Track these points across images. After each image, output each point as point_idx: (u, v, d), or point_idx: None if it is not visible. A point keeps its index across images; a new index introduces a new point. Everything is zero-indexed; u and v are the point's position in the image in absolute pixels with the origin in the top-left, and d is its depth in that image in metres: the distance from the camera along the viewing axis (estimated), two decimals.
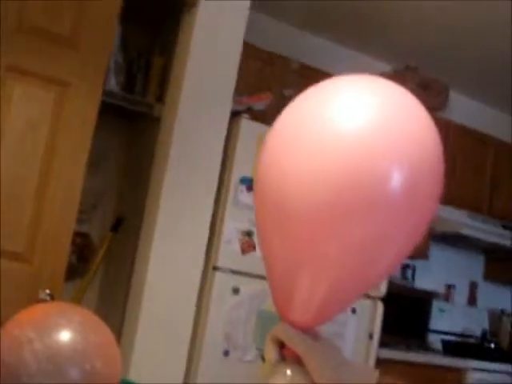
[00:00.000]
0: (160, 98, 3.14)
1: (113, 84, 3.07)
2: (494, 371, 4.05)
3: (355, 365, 1.02)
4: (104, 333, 1.04)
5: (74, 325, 0.99)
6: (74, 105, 2.54)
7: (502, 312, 5.04)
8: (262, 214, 0.95)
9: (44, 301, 2.33)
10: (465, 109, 4.77)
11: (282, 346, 0.98)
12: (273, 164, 0.91)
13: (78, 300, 3.11)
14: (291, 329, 0.96)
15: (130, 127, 3.47)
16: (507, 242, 4.59)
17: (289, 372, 0.96)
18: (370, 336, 3.29)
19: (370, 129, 0.86)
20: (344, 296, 0.96)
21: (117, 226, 3.30)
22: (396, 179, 0.85)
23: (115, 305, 3.11)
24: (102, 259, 3.25)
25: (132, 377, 2.63)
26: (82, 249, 3.27)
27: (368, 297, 3.26)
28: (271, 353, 0.98)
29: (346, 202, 0.84)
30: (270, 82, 3.31)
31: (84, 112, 2.56)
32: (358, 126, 0.86)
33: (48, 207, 2.48)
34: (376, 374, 0.98)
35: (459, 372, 3.86)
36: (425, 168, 0.88)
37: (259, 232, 0.97)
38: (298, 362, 0.96)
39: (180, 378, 2.83)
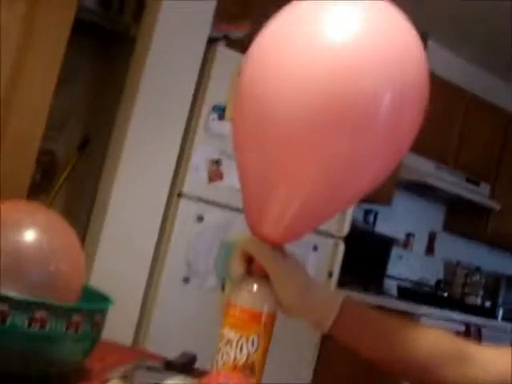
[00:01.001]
0: (137, 18, 3.06)
1: (88, 0, 2.98)
2: (445, 319, 4.15)
3: (321, 285, 1.03)
4: (69, 235, 1.02)
5: (39, 224, 0.97)
6: (47, 17, 2.46)
7: (458, 263, 5.14)
8: (241, 126, 0.93)
9: None
10: (441, 59, 4.76)
11: (250, 261, 0.98)
12: (256, 76, 0.89)
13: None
14: (262, 243, 0.96)
15: (104, 46, 3.38)
16: (469, 195, 4.66)
17: (255, 286, 0.96)
18: (330, 274, 3.33)
19: (357, 45, 0.83)
20: (315, 213, 0.95)
21: (83, 145, 3.25)
22: (380, 100, 0.83)
23: (77, 225, 3.08)
24: (66, 178, 3.20)
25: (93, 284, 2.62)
26: (47, 166, 3.21)
27: (330, 235, 3.28)
28: (238, 267, 0.98)
29: (326, 118, 0.82)
30: (251, 11, 3.24)
31: (57, 24, 2.48)
32: (344, 40, 0.84)
33: (14, 120, 2.42)
34: (341, 296, 0.99)
35: (412, 317, 3.94)
36: (409, 94, 0.87)
37: (236, 144, 0.95)
38: (264, 276, 0.96)
39: (138, 301, 2.84)
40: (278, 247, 0.97)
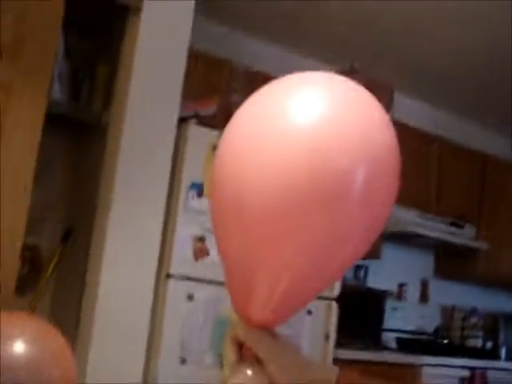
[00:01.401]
0: (106, 106, 3.10)
1: (58, 93, 3.02)
2: (447, 366, 4.12)
3: (314, 363, 1.02)
4: (58, 340, 1.02)
5: (27, 335, 0.97)
6: (18, 113, 2.49)
7: (453, 307, 5.13)
8: (219, 212, 0.94)
9: None
10: (409, 109, 4.85)
11: (241, 346, 0.97)
12: (231, 161, 0.90)
13: (30, 314, 3.05)
14: (250, 328, 0.96)
15: (77, 136, 3.42)
16: (455, 239, 4.68)
17: (249, 372, 0.96)
18: (326, 337, 3.30)
19: (326, 125, 0.85)
20: (302, 294, 0.96)
21: (67, 237, 3.24)
22: (354, 177, 0.85)
23: (68, 317, 3.05)
24: (52, 271, 3.19)
25: None
26: (32, 261, 3.20)
27: (322, 298, 3.27)
28: (230, 353, 0.98)
29: (302, 198, 0.83)
30: (216, 87, 3.30)
31: (29, 121, 2.51)
32: (314, 121, 0.85)
33: None
34: (335, 370, 0.98)
35: (414, 368, 3.91)
36: (381, 166, 0.88)
37: (216, 230, 0.96)
38: (257, 361, 0.96)
39: None
40: (267, 330, 0.97)
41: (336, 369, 0.98)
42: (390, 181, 0.91)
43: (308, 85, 0.91)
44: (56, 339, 0.99)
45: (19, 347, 0.94)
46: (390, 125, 0.93)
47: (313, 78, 0.94)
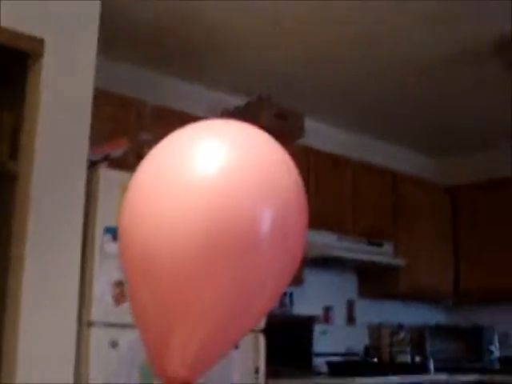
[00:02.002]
0: (13, 155, 3.02)
1: None
2: None
3: None
4: None
5: None
6: None
7: (380, 325, 5.20)
8: (128, 267, 0.92)
9: None
10: (320, 134, 4.93)
11: None
12: (134, 216, 0.88)
13: None
14: None
15: None
16: (375, 258, 4.77)
17: None
18: (256, 370, 3.28)
19: (230, 171, 0.85)
20: (220, 347, 0.94)
21: None
22: (260, 220, 0.84)
23: None
24: None
25: None
26: None
27: (249, 331, 3.25)
28: None
29: (211, 247, 0.82)
30: (125, 127, 3.26)
31: None
32: (217, 170, 0.85)
33: None
34: None
35: None
36: (287, 206, 0.88)
37: (129, 288, 0.94)
38: None
39: None
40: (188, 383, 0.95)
41: None
42: (297, 218, 0.91)
43: (210, 135, 0.91)
44: None
45: None
46: (292, 165, 0.93)
47: (218, 128, 0.94)
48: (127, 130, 3.25)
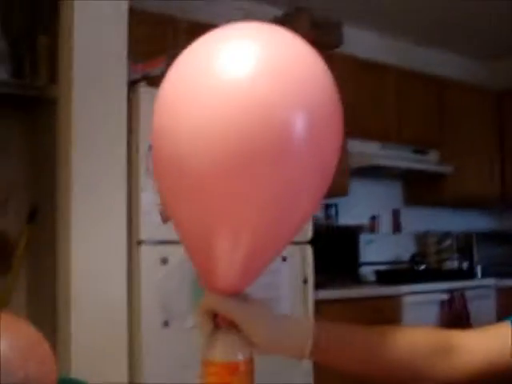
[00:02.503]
0: (52, 79, 3.03)
1: (1, 72, 2.94)
2: (426, 292, 4.19)
3: (289, 318, 1.02)
4: (31, 334, 0.99)
5: None
6: None
7: (427, 233, 5.19)
8: (162, 176, 0.92)
9: None
10: (361, 41, 4.81)
11: (214, 315, 0.97)
12: (167, 122, 0.87)
13: (6, 300, 3.02)
14: (219, 296, 0.95)
15: (28, 113, 3.35)
16: (421, 166, 4.72)
17: (226, 339, 0.96)
18: (305, 280, 3.32)
19: (262, 75, 0.83)
20: (264, 252, 0.95)
21: (32, 216, 3.20)
22: (295, 125, 0.83)
23: (46, 296, 3.04)
24: (23, 253, 3.15)
25: (75, 369, 2.58)
26: (1, 246, 3.16)
27: (296, 243, 3.28)
28: (206, 325, 0.97)
29: (246, 154, 0.81)
30: (162, 45, 3.22)
31: None
32: (249, 74, 0.83)
33: None
34: (311, 322, 0.98)
35: (395, 299, 3.97)
36: (323, 110, 0.87)
37: (165, 201, 0.94)
38: (233, 327, 0.96)
39: (124, 359, 2.80)
40: (237, 294, 0.97)
41: (311, 322, 0.98)
42: (332, 127, 0.89)
43: (243, 37, 0.88)
44: (28, 333, 0.97)
45: None
46: (328, 72, 0.91)
47: (247, 30, 0.91)
48: (164, 47, 3.21)
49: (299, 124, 0.83)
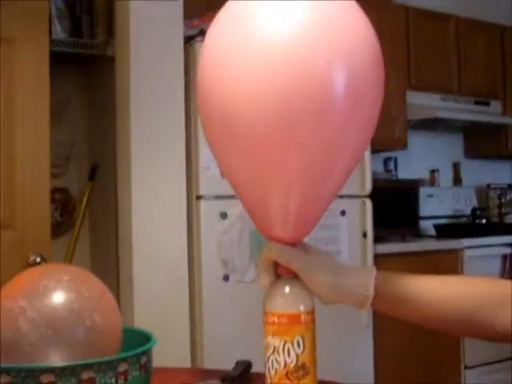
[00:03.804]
0: (110, 37, 3.05)
1: (59, 31, 2.98)
2: (488, 245, 4.13)
3: (350, 267, 1.02)
4: (96, 285, 1.02)
5: (63, 284, 0.97)
6: (24, 59, 2.45)
7: (488, 186, 5.10)
8: (212, 134, 0.93)
9: (36, 264, 2.31)
10: None
11: (275, 265, 0.98)
12: (214, 86, 0.88)
13: (70, 255, 3.11)
14: (280, 246, 0.96)
15: (86, 72, 3.39)
16: (482, 118, 4.61)
17: (287, 289, 0.96)
18: (364, 234, 3.31)
19: (301, 31, 0.84)
20: (314, 205, 0.95)
21: (93, 173, 3.26)
22: (334, 81, 0.84)
23: (108, 251, 3.11)
24: (85, 210, 3.22)
25: (137, 321, 2.65)
26: (63, 203, 3.23)
27: (355, 196, 3.26)
28: (267, 275, 0.98)
29: (289, 113, 0.83)
30: (218, 0, 3.21)
31: (36, 65, 2.46)
32: (288, 29, 0.84)
33: (19, 168, 2.42)
34: (373, 271, 0.98)
35: (455, 253, 3.93)
36: (364, 67, 0.87)
37: (217, 159, 0.96)
38: (293, 276, 0.96)
39: (185, 312, 2.85)
40: (297, 243, 0.97)
41: (374, 271, 0.98)
42: (373, 86, 0.90)
43: None
44: (94, 284, 1.00)
45: (58, 298, 0.94)
46: (371, 29, 0.91)
47: None
48: (220, 3, 3.19)
49: (339, 79, 0.84)
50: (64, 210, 3.22)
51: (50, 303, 0.94)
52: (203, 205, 2.89)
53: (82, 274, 1.04)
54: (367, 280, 0.97)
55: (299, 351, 0.94)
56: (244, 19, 0.87)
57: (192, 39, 2.92)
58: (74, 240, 3.15)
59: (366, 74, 0.87)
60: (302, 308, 0.95)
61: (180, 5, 2.89)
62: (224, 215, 2.88)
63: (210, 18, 0.93)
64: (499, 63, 4.82)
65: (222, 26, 0.90)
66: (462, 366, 3.91)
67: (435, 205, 4.72)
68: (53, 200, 2.77)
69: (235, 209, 2.83)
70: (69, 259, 3.07)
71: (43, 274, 1.00)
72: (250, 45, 0.84)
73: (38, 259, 2.33)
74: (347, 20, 0.88)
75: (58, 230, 3.04)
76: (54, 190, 2.99)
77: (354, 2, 0.91)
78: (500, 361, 4.02)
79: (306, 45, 0.83)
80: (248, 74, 0.84)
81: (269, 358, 0.95)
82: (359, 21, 0.90)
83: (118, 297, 2.74)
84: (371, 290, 0.96)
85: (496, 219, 4.97)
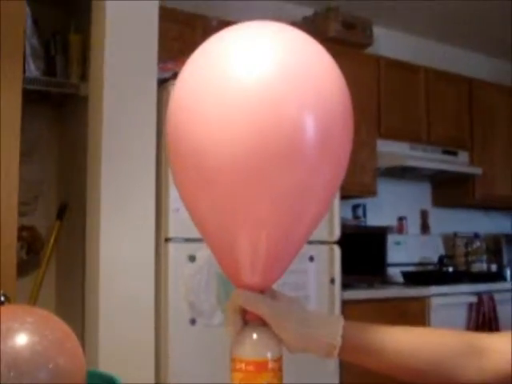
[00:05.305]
0: (84, 77, 3.06)
1: (32, 69, 2.98)
2: (455, 294, 4.16)
3: (319, 315, 1.02)
4: (60, 328, 1.01)
5: (27, 326, 0.96)
6: None
7: (455, 235, 5.15)
8: (183, 182, 0.93)
9: (0, 303, 2.26)
10: (391, 42, 4.79)
11: (242, 312, 0.97)
12: (184, 126, 0.89)
13: (35, 295, 3.06)
14: (247, 293, 0.95)
15: (58, 111, 3.38)
16: (450, 167, 4.68)
17: (255, 336, 0.96)
18: (332, 281, 3.32)
19: (273, 77, 0.85)
20: (284, 251, 0.95)
21: (61, 213, 3.23)
22: (305, 126, 0.85)
23: (74, 291, 3.06)
24: (52, 249, 3.18)
25: (102, 364, 2.61)
26: (30, 242, 3.19)
27: (323, 242, 3.27)
28: (234, 322, 0.97)
29: (260, 157, 0.83)
30: (192, 44, 3.23)
31: (7, 104, 2.46)
32: (260, 74, 0.85)
33: None
34: (341, 321, 0.98)
35: (422, 300, 3.94)
36: (334, 113, 0.88)
37: (184, 201, 0.96)
38: (261, 323, 0.96)
39: (151, 355, 2.82)
40: (265, 290, 0.97)
41: (341, 321, 0.98)
42: (342, 133, 0.91)
43: (256, 36, 0.89)
44: (58, 327, 0.98)
45: (21, 340, 0.93)
46: (341, 76, 0.92)
47: (265, 29, 0.92)
48: (194, 47, 3.22)
49: (310, 124, 0.85)
50: (30, 248, 3.18)
51: (13, 345, 0.92)
52: (172, 247, 2.88)
53: (46, 317, 1.02)
54: (335, 330, 0.97)
55: None
56: (217, 62, 0.87)
57: (166, 82, 2.94)
58: (40, 279, 3.10)
59: (336, 119, 0.88)
60: (269, 355, 0.94)
61: (154, 48, 2.91)
62: (192, 258, 2.87)
63: (184, 62, 0.94)
64: (467, 114, 4.91)
65: (194, 68, 0.91)
66: None
67: (403, 252, 4.75)
68: (20, 238, 2.74)
69: (204, 252, 2.81)
70: (33, 299, 3.03)
71: (6, 316, 0.98)
72: (222, 86, 0.85)
73: (2, 298, 2.29)
74: (318, 66, 0.89)
75: (23, 268, 2.99)
76: (22, 228, 2.95)
77: (324, 50, 0.93)
78: None
79: (277, 88, 0.83)
80: (219, 115, 0.84)
81: None
82: (330, 67, 0.91)
83: (82, 339, 2.69)
84: (339, 339, 0.96)
85: (463, 267, 5.01)
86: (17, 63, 2.48)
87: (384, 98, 4.38)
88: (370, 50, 4.41)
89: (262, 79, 0.84)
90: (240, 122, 0.83)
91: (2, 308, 1.00)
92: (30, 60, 2.95)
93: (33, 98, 2.85)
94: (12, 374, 0.90)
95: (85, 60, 3.07)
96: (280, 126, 0.83)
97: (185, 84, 0.91)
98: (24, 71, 2.64)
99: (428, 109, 4.68)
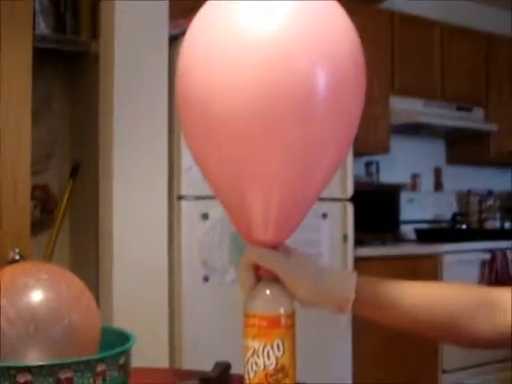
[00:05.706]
0: (94, 34, 3.03)
1: (42, 27, 2.95)
2: (467, 251, 4.15)
3: (332, 270, 1.02)
4: (74, 284, 1.01)
5: (42, 282, 0.97)
6: (6, 56, 2.42)
7: (469, 192, 5.13)
8: (193, 136, 0.93)
9: (15, 261, 2.28)
10: None
11: (256, 268, 0.97)
12: (194, 77, 0.88)
13: (49, 253, 3.08)
14: (261, 249, 0.95)
15: (69, 69, 3.36)
16: (464, 124, 4.64)
17: (268, 291, 0.96)
18: (345, 238, 3.32)
19: (283, 28, 0.83)
20: (297, 206, 0.95)
21: (74, 172, 3.24)
22: (315, 78, 0.84)
23: (88, 250, 3.09)
24: (65, 208, 3.19)
25: (116, 321, 2.63)
26: (44, 201, 3.21)
27: (336, 200, 3.27)
28: (247, 278, 0.97)
29: (271, 110, 0.83)
30: (203, 1, 3.20)
31: (18, 61, 2.44)
32: (272, 29, 0.84)
33: None
34: (354, 275, 0.98)
35: (435, 257, 3.94)
36: (345, 66, 0.87)
37: (195, 157, 0.95)
38: (274, 279, 0.96)
39: (165, 311, 2.84)
40: (278, 246, 0.97)
41: (354, 275, 0.98)
42: (355, 86, 0.90)
43: None
44: (73, 283, 0.99)
45: (37, 296, 0.93)
46: (353, 30, 0.91)
47: None
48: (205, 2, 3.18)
49: (320, 77, 0.84)
50: (44, 207, 3.20)
51: (29, 301, 0.93)
52: (184, 205, 2.88)
53: (61, 273, 1.03)
54: (348, 283, 0.97)
55: (279, 354, 0.93)
56: (227, 13, 0.86)
57: (177, 39, 2.91)
58: (54, 238, 3.12)
59: (348, 72, 0.87)
60: (282, 311, 0.94)
61: (165, 4, 2.87)
62: (205, 216, 2.87)
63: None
64: (483, 70, 4.85)
65: (204, 20, 0.90)
66: (440, 370, 3.93)
67: (416, 209, 4.74)
68: (33, 197, 2.75)
69: (216, 210, 2.82)
70: (48, 257, 3.05)
71: (22, 272, 0.99)
72: (232, 38, 0.84)
73: (17, 257, 2.31)
74: (330, 19, 0.88)
75: (37, 227, 3.01)
76: (35, 187, 2.96)
77: (337, 3, 0.91)
78: (478, 365, 4.04)
79: (288, 41, 0.83)
80: (229, 66, 0.83)
81: (248, 360, 0.94)
82: (341, 20, 0.90)
83: (97, 296, 2.72)
84: (352, 293, 0.96)
85: (476, 225, 5.00)
86: (27, 21, 2.46)
87: (398, 54, 4.32)
88: (384, 5, 4.33)
89: (272, 30, 0.83)
90: (249, 72, 0.82)
91: (18, 265, 1.01)
92: (39, 18, 2.93)
93: (43, 57, 2.83)
94: (29, 329, 0.91)
95: (95, 16, 3.04)
96: (290, 79, 0.82)
97: (194, 37, 0.90)
98: (34, 29, 2.61)
99: (442, 65, 4.62)
